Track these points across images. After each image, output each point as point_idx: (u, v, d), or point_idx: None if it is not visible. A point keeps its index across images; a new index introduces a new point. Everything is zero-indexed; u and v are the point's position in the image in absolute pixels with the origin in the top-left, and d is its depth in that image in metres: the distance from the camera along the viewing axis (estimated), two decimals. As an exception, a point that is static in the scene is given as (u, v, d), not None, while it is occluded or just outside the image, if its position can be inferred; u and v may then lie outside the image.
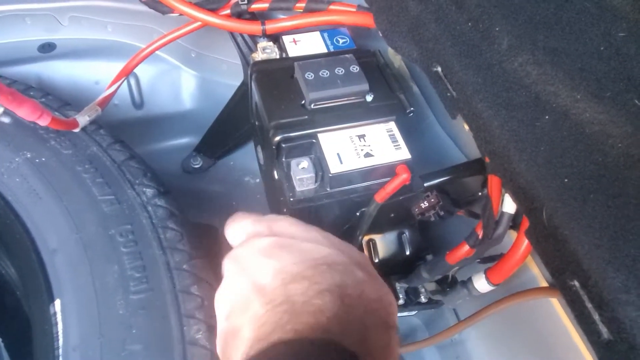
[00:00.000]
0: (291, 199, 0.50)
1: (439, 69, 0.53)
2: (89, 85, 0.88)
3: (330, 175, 0.49)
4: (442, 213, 0.52)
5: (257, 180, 0.92)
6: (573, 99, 0.46)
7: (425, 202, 0.53)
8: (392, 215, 0.57)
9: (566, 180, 0.41)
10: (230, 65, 0.85)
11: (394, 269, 0.61)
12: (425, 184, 0.54)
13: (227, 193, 0.89)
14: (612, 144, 0.43)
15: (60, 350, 0.42)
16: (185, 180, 0.91)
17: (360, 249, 0.58)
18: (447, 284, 0.59)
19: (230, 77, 0.85)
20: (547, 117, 0.45)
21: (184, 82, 0.90)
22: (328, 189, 0.51)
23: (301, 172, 0.50)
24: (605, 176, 0.40)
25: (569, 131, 0.44)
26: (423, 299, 0.59)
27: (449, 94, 0.52)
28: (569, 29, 0.51)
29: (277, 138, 0.51)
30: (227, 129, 0.86)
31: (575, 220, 0.38)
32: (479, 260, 0.55)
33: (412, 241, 0.60)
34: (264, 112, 0.54)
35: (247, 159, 0.92)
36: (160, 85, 0.90)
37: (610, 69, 0.47)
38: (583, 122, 0.44)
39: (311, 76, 0.53)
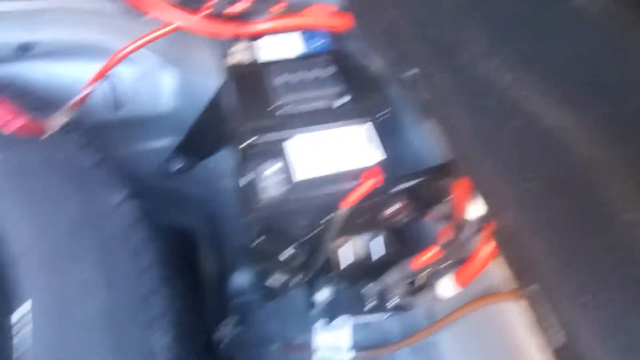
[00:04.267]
0: (257, 206, 0.50)
1: (415, 71, 0.54)
2: (68, 86, 0.87)
3: (297, 181, 0.49)
4: (410, 217, 0.52)
5: (237, 182, 0.92)
6: (544, 104, 0.46)
7: (393, 207, 0.53)
8: (363, 218, 0.56)
9: (531, 184, 0.41)
10: (211, 65, 0.84)
11: (366, 273, 0.61)
12: (395, 188, 0.54)
13: (207, 195, 0.88)
14: (579, 148, 0.43)
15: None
16: (165, 182, 0.90)
17: (329, 254, 0.58)
18: (418, 287, 0.59)
19: (211, 77, 0.84)
20: (517, 121, 0.46)
21: (165, 82, 0.89)
22: (295, 195, 0.50)
23: (268, 178, 0.50)
24: (570, 180, 0.41)
25: (538, 135, 0.44)
26: (393, 303, 0.59)
27: (423, 97, 0.52)
28: (544, 34, 0.52)
29: (244, 144, 0.51)
30: (207, 131, 0.85)
31: (536, 225, 0.39)
32: (448, 263, 0.55)
33: (384, 244, 0.60)
34: (233, 117, 0.53)
35: (227, 161, 0.92)
36: (139, 85, 0.89)
37: (581, 74, 0.48)
38: (552, 127, 0.45)
39: (282, 80, 0.53)
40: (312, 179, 0.50)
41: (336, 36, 0.65)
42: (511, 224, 0.40)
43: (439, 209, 0.56)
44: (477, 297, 0.56)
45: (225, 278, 0.81)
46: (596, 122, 0.44)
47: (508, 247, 0.41)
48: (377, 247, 0.60)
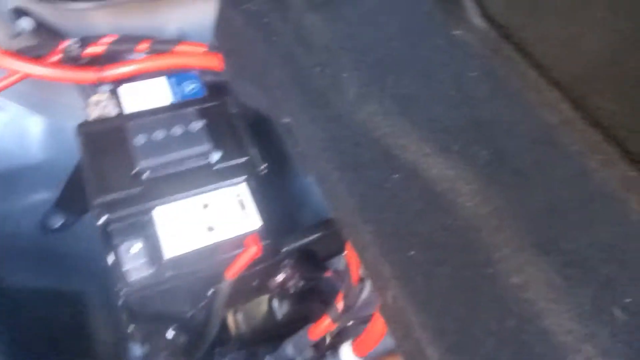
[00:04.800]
0: (123, 290, 0.43)
1: (287, 120, 0.48)
2: None
3: (165, 260, 0.43)
4: (301, 283, 0.47)
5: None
6: (422, 154, 0.42)
7: (281, 275, 0.47)
8: (256, 283, 0.51)
9: (413, 252, 0.37)
10: (83, 109, 0.75)
11: (269, 336, 0.55)
12: (284, 249, 0.49)
13: (97, 252, 0.78)
14: (461, 202, 0.40)
15: None
16: (46, 241, 0.80)
17: (223, 323, 0.52)
18: (326, 347, 0.54)
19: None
20: (396, 175, 0.41)
21: (31, 130, 0.79)
22: (167, 273, 0.44)
23: (132, 258, 0.43)
24: (453, 242, 0.37)
25: (419, 191, 0.40)
26: (300, 369, 0.54)
27: (299, 149, 0.47)
28: (420, 72, 0.48)
29: (102, 220, 0.44)
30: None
31: (420, 303, 0.35)
32: (351, 323, 0.51)
33: (285, 304, 0.55)
34: (87, 187, 0.46)
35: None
36: (1, 136, 0.78)
37: (460, 116, 0.44)
38: (433, 180, 0.41)
39: (143, 140, 0.46)
40: (187, 253, 0.44)
41: (208, 80, 0.59)
42: (393, 302, 0.36)
43: (336, 267, 0.51)
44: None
45: (122, 347, 0.72)
46: (475, 170, 0.41)
47: (393, 326, 0.37)
48: (279, 306, 0.55)
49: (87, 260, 0.79)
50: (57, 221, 0.80)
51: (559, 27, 0.44)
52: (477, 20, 0.50)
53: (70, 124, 0.78)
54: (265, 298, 0.54)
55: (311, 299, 0.55)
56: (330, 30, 0.51)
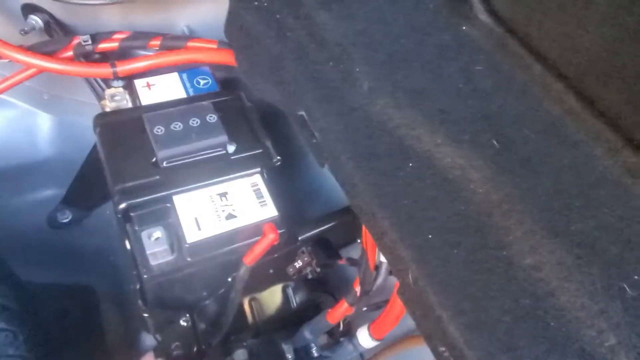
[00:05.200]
0: (145, 276, 0.44)
1: (301, 114, 0.50)
2: None
3: (187, 245, 0.44)
4: (318, 270, 0.49)
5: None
6: (434, 144, 0.44)
7: (299, 261, 0.49)
8: (272, 271, 0.52)
9: (430, 236, 0.39)
10: (92, 106, 0.75)
11: (283, 324, 0.57)
12: (300, 237, 0.50)
13: (105, 247, 0.79)
14: (473, 189, 0.41)
15: None
16: (54, 237, 0.80)
17: (240, 311, 0.53)
18: (339, 334, 0.56)
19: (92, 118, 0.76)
20: (410, 164, 0.43)
21: (40, 127, 0.80)
22: (188, 259, 0.45)
23: (154, 244, 0.44)
24: (467, 227, 0.39)
25: (432, 179, 0.42)
26: (315, 353, 0.56)
27: (314, 141, 0.49)
28: (428, 66, 0.50)
29: (123, 205, 0.45)
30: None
31: (438, 284, 0.36)
32: (366, 308, 0.52)
33: (299, 293, 0.56)
34: (108, 175, 0.47)
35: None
36: (9, 132, 0.79)
37: (468, 108, 0.46)
38: (445, 168, 0.43)
39: (161, 130, 0.48)
40: (207, 239, 0.45)
41: (219, 75, 0.60)
42: (414, 283, 0.38)
43: (351, 255, 0.53)
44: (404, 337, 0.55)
45: (133, 338, 0.73)
46: (485, 159, 0.43)
47: (413, 307, 0.39)
48: (294, 294, 0.56)
49: (96, 255, 0.80)
50: (66, 216, 0.81)
51: (562, 22, 0.46)
52: (483, 16, 0.52)
53: (78, 121, 0.79)
54: (279, 287, 0.55)
55: (322, 289, 0.56)
56: (341, 27, 0.52)
